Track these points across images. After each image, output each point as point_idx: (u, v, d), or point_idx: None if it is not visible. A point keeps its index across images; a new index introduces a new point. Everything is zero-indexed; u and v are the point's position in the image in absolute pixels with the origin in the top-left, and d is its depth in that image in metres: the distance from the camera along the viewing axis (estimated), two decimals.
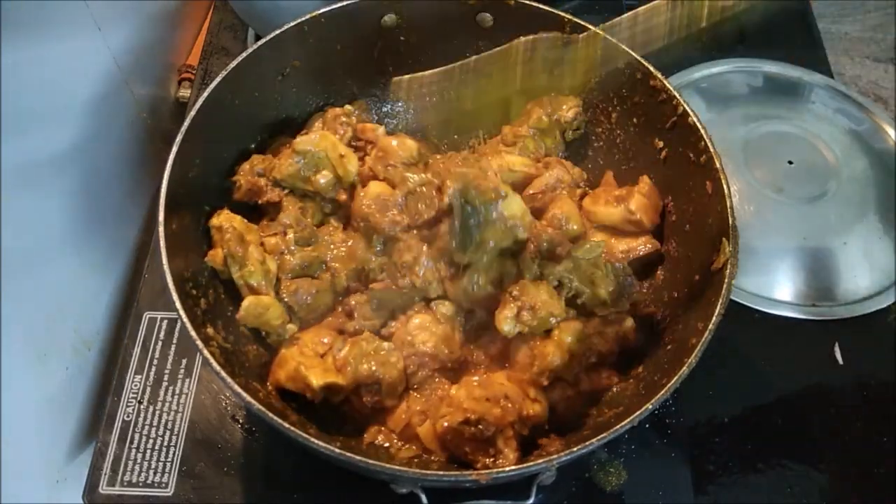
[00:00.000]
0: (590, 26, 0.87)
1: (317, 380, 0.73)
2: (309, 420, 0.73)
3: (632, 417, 0.63)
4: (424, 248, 0.79)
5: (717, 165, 0.76)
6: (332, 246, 0.83)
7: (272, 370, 0.76)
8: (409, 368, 0.77)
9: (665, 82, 0.83)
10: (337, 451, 0.61)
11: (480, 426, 0.70)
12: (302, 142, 0.83)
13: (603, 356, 0.78)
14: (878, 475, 0.88)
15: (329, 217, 0.87)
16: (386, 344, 0.77)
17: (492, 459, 0.70)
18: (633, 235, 0.86)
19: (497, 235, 0.76)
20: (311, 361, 0.75)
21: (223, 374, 0.64)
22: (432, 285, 0.80)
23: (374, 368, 0.74)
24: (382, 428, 0.77)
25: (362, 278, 0.81)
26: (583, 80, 0.91)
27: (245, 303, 0.75)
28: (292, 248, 0.81)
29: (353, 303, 0.80)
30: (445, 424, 0.71)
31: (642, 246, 0.85)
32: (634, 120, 0.89)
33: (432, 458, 0.75)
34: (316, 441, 0.62)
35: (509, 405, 0.72)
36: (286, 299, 0.78)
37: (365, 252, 0.81)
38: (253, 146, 0.87)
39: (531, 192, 0.88)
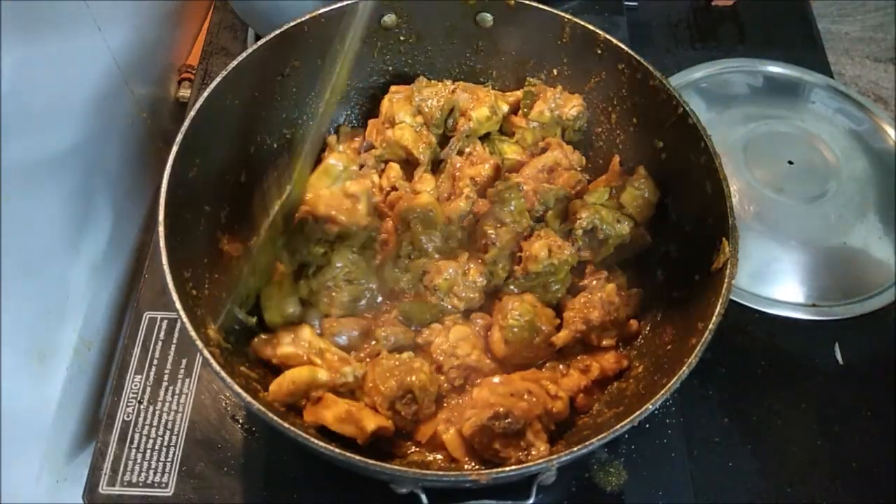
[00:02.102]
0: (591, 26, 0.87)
1: (370, 423, 0.70)
2: None
3: (632, 417, 0.63)
4: (452, 267, 0.81)
5: (717, 165, 0.76)
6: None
7: (311, 408, 0.72)
8: (456, 381, 0.77)
9: (665, 82, 0.82)
10: (337, 451, 0.61)
11: (509, 419, 0.70)
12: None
13: (617, 323, 0.82)
14: (878, 475, 0.88)
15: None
16: (405, 354, 0.75)
17: (524, 453, 0.70)
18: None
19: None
20: (359, 404, 0.73)
21: (223, 374, 0.64)
22: (475, 300, 0.81)
23: (402, 378, 0.73)
24: (407, 442, 0.76)
25: (393, 299, 0.82)
26: None
27: (274, 386, 0.72)
28: (341, 284, 0.79)
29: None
30: (474, 425, 0.71)
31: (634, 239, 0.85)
32: (634, 120, 0.89)
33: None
34: (316, 441, 0.61)
35: (534, 399, 0.72)
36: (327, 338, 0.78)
37: (391, 271, 0.82)
38: (252, 149, 0.88)
39: (528, 172, 0.88)
